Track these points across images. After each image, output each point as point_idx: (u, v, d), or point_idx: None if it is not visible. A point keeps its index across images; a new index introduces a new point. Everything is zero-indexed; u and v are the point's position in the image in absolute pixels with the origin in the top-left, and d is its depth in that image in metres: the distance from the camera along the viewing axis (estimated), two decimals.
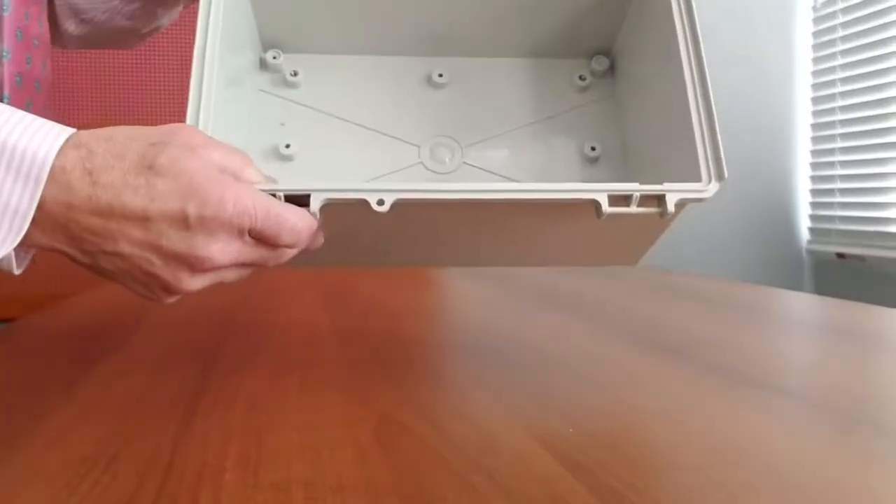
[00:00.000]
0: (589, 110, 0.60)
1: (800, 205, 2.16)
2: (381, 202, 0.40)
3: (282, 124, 0.57)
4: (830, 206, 2.06)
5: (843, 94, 2.02)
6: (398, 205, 0.40)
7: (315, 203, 0.40)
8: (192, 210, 0.36)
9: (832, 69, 2.05)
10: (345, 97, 0.58)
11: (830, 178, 2.07)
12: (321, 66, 0.58)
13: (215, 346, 0.61)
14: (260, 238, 0.39)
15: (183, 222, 0.36)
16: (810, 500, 0.31)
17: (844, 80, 2.01)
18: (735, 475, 0.34)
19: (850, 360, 0.58)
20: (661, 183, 0.44)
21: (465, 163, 0.57)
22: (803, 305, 0.95)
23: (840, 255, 2.00)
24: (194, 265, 0.37)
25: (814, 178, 2.13)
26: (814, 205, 2.13)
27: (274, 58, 0.58)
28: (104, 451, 0.36)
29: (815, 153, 2.13)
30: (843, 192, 2.02)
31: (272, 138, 0.57)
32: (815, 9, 2.12)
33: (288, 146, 0.55)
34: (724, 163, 0.44)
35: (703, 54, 0.47)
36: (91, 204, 0.35)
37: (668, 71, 0.49)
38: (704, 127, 0.46)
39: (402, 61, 0.59)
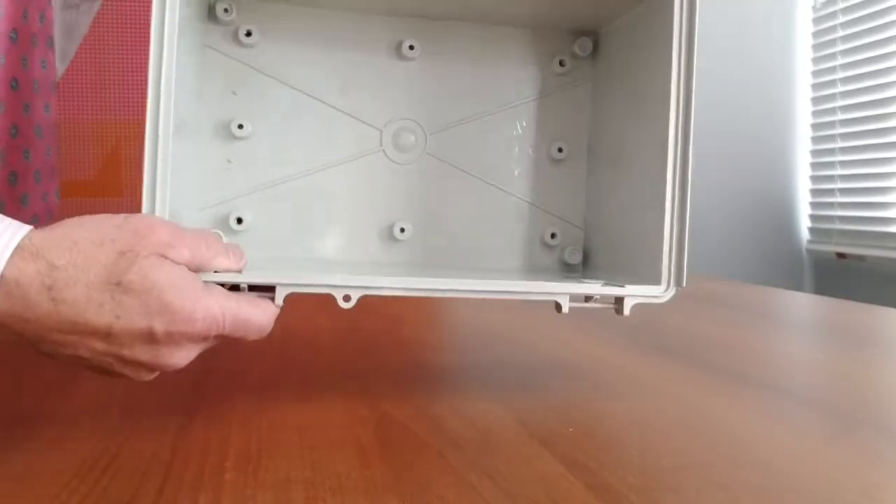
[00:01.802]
0: (563, 98, 0.56)
1: (800, 205, 2.16)
2: (347, 298, 0.40)
3: (233, 93, 0.51)
4: (830, 206, 2.06)
5: (844, 94, 2.02)
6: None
7: (279, 296, 0.40)
8: (159, 327, 0.34)
9: (832, 69, 2.05)
10: (304, 64, 0.53)
11: (831, 178, 2.07)
12: (279, 22, 0.52)
13: (215, 346, 0.61)
14: (226, 338, 0.39)
15: (149, 338, 0.35)
16: (810, 500, 0.31)
17: (844, 80, 2.01)
18: (735, 474, 0.34)
19: (851, 360, 0.58)
20: (622, 282, 0.45)
21: (427, 153, 0.54)
22: (803, 305, 0.95)
23: (840, 255, 2.00)
24: (155, 369, 0.37)
25: (814, 178, 2.13)
26: (814, 205, 2.13)
27: (225, 10, 0.50)
28: (104, 451, 0.36)
29: (815, 153, 2.13)
30: (844, 191, 2.02)
31: (223, 110, 0.51)
32: (815, 9, 2.12)
33: (241, 126, 0.51)
34: (685, 270, 0.44)
35: (691, 141, 0.45)
36: (51, 320, 0.33)
37: (655, 110, 0.46)
38: (675, 230, 0.45)
39: (371, 21, 0.53)
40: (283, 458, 0.36)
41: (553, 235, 0.56)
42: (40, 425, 0.41)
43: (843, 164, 2.02)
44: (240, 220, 0.51)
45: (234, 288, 0.39)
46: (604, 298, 0.44)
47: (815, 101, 2.12)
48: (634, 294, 0.44)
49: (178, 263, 0.36)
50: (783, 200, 2.14)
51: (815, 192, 2.13)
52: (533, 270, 0.56)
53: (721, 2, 2.06)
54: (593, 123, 0.56)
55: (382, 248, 0.53)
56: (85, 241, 0.34)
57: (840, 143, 2.03)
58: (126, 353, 0.35)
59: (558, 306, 0.44)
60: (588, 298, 0.45)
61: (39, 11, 0.62)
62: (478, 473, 0.34)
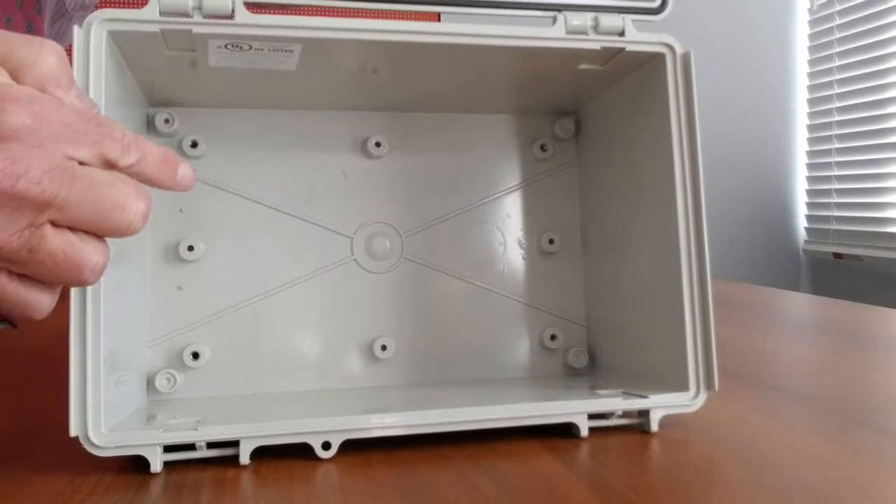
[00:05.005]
0: (548, 184, 0.52)
1: (797, 205, 2.17)
2: (326, 445, 0.36)
3: (180, 211, 0.46)
4: (827, 206, 2.07)
5: (840, 96, 2.02)
6: None
7: (245, 452, 0.35)
8: None
9: (829, 70, 2.06)
10: (259, 171, 0.47)
11: (827, 179, 2.07)
12: (227, 128, 0.47)
13: None
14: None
15: None
16: (808, 499, 0.31)
17: (841, 82, 2.02)
18: (734, 474, 0.34)
19: (848, 360, 0.59)
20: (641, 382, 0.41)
21: (405, 258, 0.49)
22: (800, 305, 0.95)
23: (837, 256, 2.00)
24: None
25: (811, 179, 2.14)
26: (810, 205, 2.14)
27: (166, 121, 0.45)
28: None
29: (811, 154, 2.14)
30: (840, 192, 2.03)
31: (170, 232, 0.46)
32: (811, 10, 2.12)
33: (191, 248, 0.45)
34: (716, 369, 0.40)
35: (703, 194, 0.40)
36: None
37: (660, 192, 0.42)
38: (698, 319, 0.40)
39: (331, 119, 0.49)
40: (283, 458, 0.36)
41: (553, 337, 0.50)
42: (42, 425, 0.41)
43: (840, 164, 2.03)
44: (196, 355, 0.44)
45: None
46: (626, 413, 0.40)
47: (812, 101, 2.13)
48: (661, 405, 0.40)
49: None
50: (780, 201, 2.15)
51: (811, 193, 2.14)
52: (534, 378, 0.50)
53: (718, 3, 2.07)
54: (584, 208, 0.52)
55: (363, 371, 0.48)
56: None
57: (837, 144, 2.04)
58: None
59: (575, 429, 0.39)
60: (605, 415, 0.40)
61: (27, 21, 0.59)
62: (478, 473, 0.34)
